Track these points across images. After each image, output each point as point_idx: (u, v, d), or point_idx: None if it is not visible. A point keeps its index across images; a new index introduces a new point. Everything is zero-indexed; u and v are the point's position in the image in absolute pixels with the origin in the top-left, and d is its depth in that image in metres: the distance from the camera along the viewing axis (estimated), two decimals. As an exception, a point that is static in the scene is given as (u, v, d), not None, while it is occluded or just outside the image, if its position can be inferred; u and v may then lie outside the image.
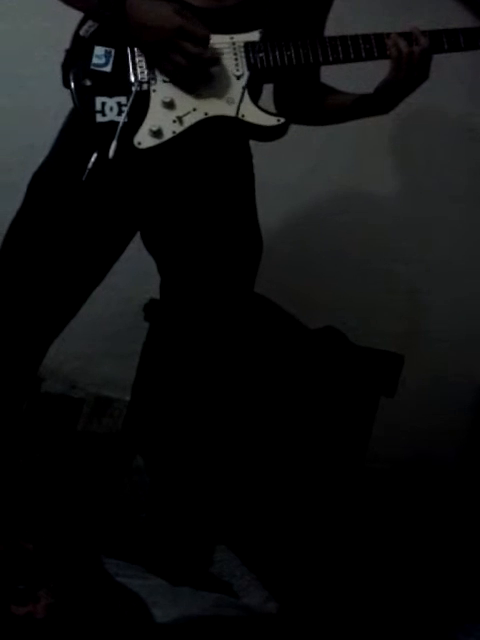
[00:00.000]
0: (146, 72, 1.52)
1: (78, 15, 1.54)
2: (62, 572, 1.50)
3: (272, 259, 1.83)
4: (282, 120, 1.56)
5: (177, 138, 1.52)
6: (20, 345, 1.63)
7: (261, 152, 1.69)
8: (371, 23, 1.70)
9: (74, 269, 1.62)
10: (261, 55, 1.54)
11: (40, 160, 1.65)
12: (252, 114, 1.54)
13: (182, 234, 1.63)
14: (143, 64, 1.52)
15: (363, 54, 1.56)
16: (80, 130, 1.57)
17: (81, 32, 1.51)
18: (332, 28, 1.66)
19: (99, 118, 1.50)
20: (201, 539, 1.74)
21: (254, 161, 1.70)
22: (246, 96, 1.54)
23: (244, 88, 1.54)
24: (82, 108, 1.51)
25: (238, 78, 1.55)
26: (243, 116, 1.54)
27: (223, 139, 1.59)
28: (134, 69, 1.52)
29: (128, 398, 2.37)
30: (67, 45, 1.53)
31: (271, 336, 2.15)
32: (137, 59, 1.52)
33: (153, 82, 1.52)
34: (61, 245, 1.59)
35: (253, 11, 1.55)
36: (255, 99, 1.56)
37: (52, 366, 2.30)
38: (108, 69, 1.51)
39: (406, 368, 2.18)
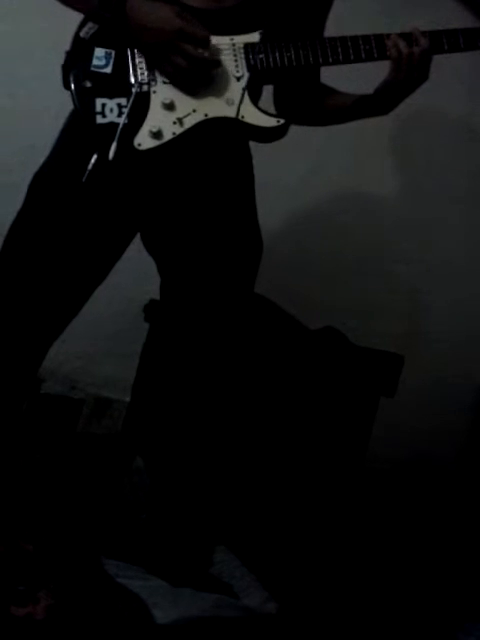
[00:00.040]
0: (146, 73, 1.52)
1: (78, 16, 1.54)
2: (62, 573, 1.50)
3: (272, 259, 1.83)
4: (282, 121, 1.56)
5: (177, 139, 1.52)
6: (20, 346, 1.64)
7: (261, 153, 1.69)
8: (371, 24, 1.70)
9: (74, 270, 1.62)
10: (261, 56, 1.54)
11: (41, 161, 1.65)
12: (252, 115, 1.55)
13: (182, 235, 1.63)
14: (143, 65, 1.52)
15: (363, 55, 1.56)
16: (80, 131, 1.57)
17: (81, 34, 1.51)
18: (332, 29, 1.66)
19: (99, 119, 1.50)
20: (201, 540, 1.74)
21: (254, 162, 1.70)
22: (246, 97, 1.54)
23: (244, 89, 1.54)
24: (82, 109, 1.51)
25: (238, 79, 1.55)
26: (243, 117, 1.54)
27: (223, 140, 1.59)
28: (134, 70, 1.52)
29: (128, 399, 2.36)
30: (67, 46, 1.53)
31: (271, 337, 2.15)
32: (137, 60, 1.52)
33: (153, 83, 1.53)
34: (61, 246, 1.59)
35: (253, 12, 1.56)
36: (255, 100, 1.56)
37: (52, 367, 2.31)
38: (108, 70, 1.51)
39: (406, 368, 2.18)
